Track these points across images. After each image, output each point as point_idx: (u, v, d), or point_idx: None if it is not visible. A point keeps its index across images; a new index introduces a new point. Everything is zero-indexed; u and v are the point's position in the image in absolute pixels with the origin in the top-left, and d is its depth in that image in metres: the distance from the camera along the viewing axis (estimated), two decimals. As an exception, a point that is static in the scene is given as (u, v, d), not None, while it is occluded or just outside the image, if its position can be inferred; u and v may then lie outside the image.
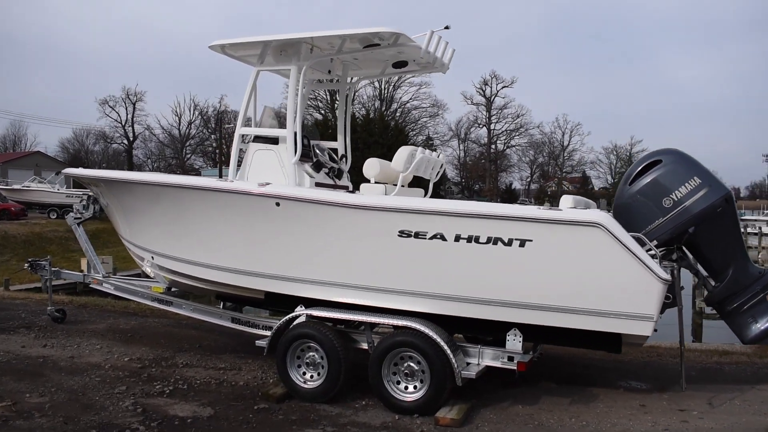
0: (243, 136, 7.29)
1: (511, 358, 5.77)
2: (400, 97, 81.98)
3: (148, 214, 7.55)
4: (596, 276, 5.36)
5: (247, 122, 7.41)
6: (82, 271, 10.52)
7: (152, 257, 7.78)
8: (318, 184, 6.95)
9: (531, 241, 5.44)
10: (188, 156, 59.76)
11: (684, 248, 6.02)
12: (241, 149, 7.46)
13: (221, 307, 8.16)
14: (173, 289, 8.62)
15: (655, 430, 5.37)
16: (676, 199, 5.72)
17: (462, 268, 5.71)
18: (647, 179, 5.87)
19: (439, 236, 5.71)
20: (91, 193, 9.41)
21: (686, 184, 5.73)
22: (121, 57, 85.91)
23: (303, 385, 6.21)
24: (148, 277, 8.95)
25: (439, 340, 5.63)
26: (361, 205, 6.02)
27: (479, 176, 76.22)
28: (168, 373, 7.13)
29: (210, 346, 8.52)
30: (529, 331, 5.77)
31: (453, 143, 78.61)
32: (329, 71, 7.96)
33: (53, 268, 9.83)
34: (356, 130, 70.23)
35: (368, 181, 6.92)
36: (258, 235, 6.60)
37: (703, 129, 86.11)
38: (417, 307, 5.95)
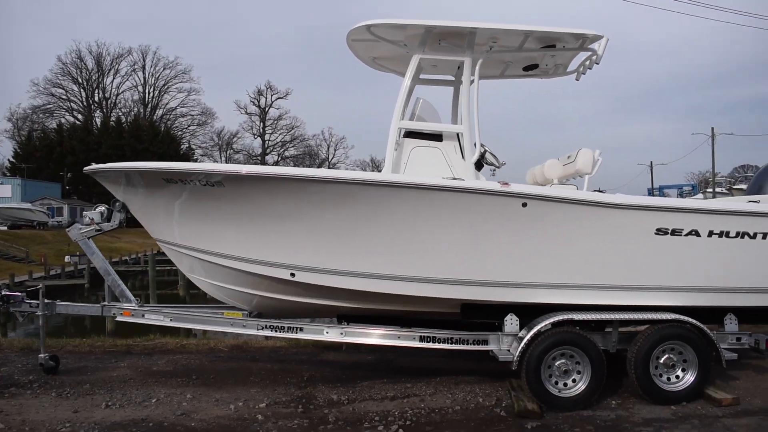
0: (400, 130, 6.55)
1: (738, 339, 6.40)
2: (167, 103, 75.84)
3: (303, 219, 6.10)
4: None
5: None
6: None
7: (292, 274, 6.30)
8: None
9: None
10: None
11: None
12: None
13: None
14: (253, 313, 7.15)
15: None
16: None
17: (712, 261, 6.16)
18: None
19: (694, 233, 6.07)
20: (118, 199, 7.10)
21: None
22: None
23: (559, 394, 5.87)
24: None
25: (706, 329, 5.98)
26: (622, 204, 6.00)
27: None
28: (353, 413, 5.87)
29: (318, 377, 7.19)
30: (743, 314, 6.49)
31: (215, 153, 76.17)
32: (459, 67, 7.48)
33: (46, 300, 7.13)
34: (122, 137, 62.91)
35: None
36: (487, 240, 5.99)
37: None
38: (665, 301, 6.15)
